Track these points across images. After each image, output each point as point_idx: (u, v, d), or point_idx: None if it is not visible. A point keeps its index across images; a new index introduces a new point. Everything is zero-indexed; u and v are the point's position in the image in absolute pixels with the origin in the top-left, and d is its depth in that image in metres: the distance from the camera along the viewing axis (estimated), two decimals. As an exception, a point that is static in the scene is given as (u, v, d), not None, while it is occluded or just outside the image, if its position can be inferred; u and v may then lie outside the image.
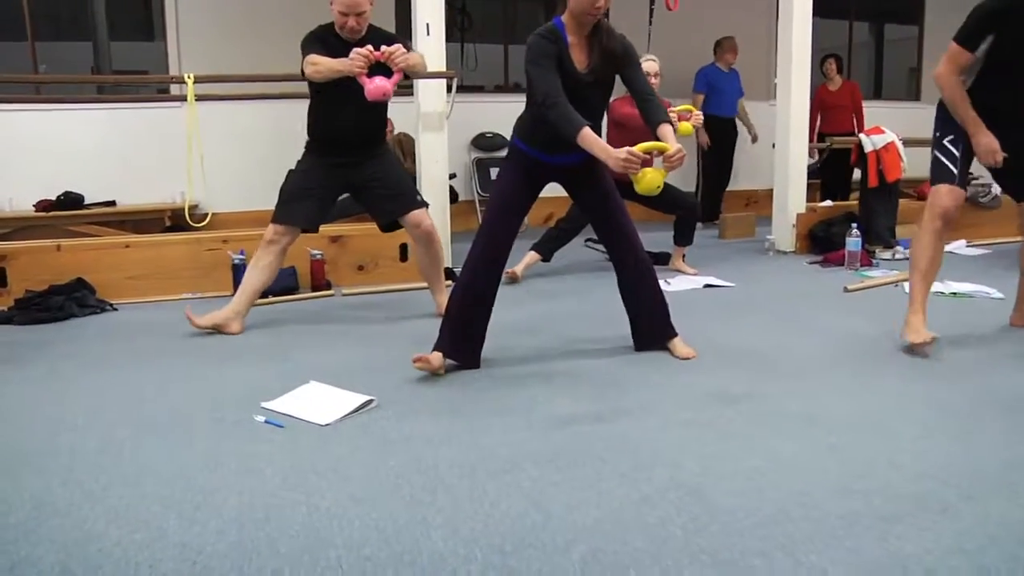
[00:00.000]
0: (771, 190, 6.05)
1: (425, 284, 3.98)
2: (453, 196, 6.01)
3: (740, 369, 3.04)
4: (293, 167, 3.71)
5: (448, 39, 4.89)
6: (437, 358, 2.97)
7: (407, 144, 5.87)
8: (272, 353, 3.32)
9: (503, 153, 7.17)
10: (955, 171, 3.28)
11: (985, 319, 3.79)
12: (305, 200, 3.64)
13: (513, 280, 4.69)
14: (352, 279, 4.57)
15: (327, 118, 3.57)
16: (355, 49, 3.25)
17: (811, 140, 6.95)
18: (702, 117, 4.63)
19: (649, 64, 4.65)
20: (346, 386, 2.80)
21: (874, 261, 5.33)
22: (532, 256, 4.85)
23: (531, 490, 2.05)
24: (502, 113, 7.18)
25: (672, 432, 2.44)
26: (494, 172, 7.06)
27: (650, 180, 2.69)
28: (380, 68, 3.31)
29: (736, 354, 3.20)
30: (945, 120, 3.37)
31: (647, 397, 2.76)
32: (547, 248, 4.89)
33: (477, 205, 7.02)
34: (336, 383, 2.83)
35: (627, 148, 2.65)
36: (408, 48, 3.46)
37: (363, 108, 3.40)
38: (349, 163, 3.61)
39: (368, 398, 2.65)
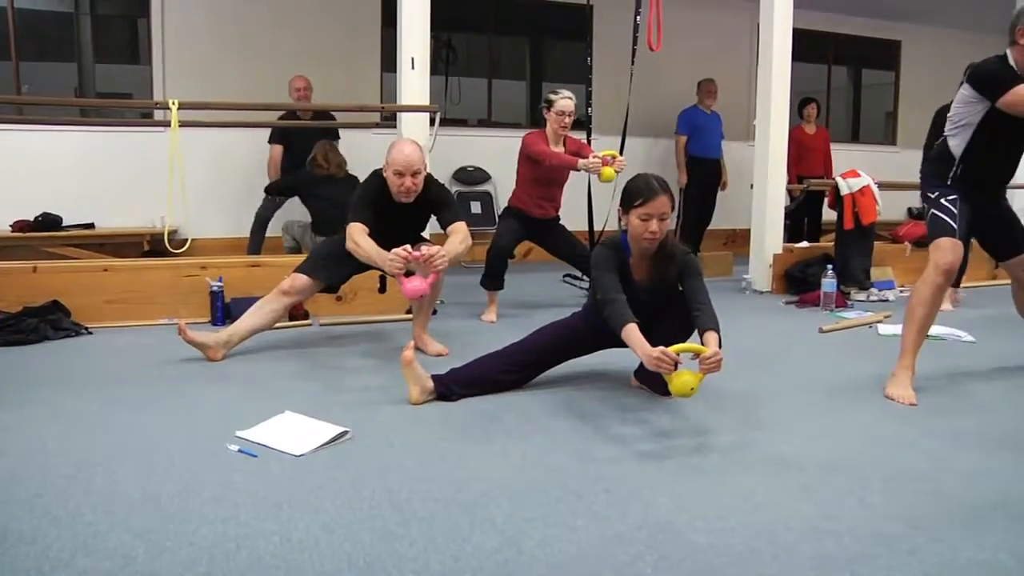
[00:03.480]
0: (748, 230, 6.12)
1: (407, 315, 3.98)
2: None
3: (716, 409, 3.06)
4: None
5: (432, 72, 4.94)
6: (425, 388, 3.01)
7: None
8: (248, 382, 3.31)
9: (484, 187, 7.25)
10: (955, 226, 3.28)
11: (956, 362, 3.84)
12: (337, 263, 3.72)
13: (491, 321, 4.68)
14: (330, 309, 4.57)
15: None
16: (394, 251, 3.25)
17: (791, 181, 7.06)
18: (625, 163, 4.62)
19: (564, 103, 4.65)
20: (321, 417, 2.79)
21: (849, 302, 5.40)
22: (489, 296, 4.81)
23: (504, 525, 2.05)
24: (484, 147, 7.27)
25: (647, 470, 2.45)
26: (475, 206, 7.11)
27: (684, 382, 2.66)
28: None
29: (712, 394, 3.20)
30: (940, 180, 3.39)
31: (623, 435, 2.77)
32: (492, 279, 4.81)
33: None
34: (311, 413, 2.83)
35: (661, 348, 2.66)
36: (454, 212, 3.61)
37: (402, 237, 3.46)
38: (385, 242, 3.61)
39: (343, 429, 2.64)
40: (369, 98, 6.67)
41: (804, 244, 6.31)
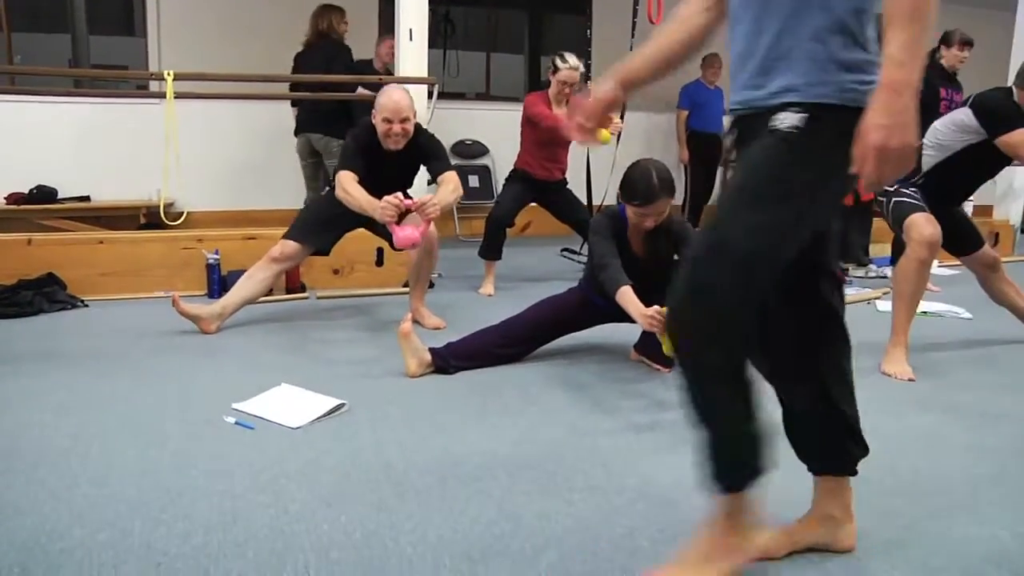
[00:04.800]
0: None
1: (403, 288, 3.96)
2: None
3: None
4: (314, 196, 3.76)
5: (431, 46, 4.89)
6: (423, 361, 3.00)
7: None
8: (244, 354, 3.30)
9: (482, 161, 7.20)
10: (922, 204, 3.29)
11: (953, 339, 3.84)
12: (326, 225, 3.72)
13: (488, 293, 4.67)
14: (327, 282, 4.55)
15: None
16: (386, 199, 3.24)
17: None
18: (621, 125, 4.62)
19: (568, 74, 4.62)
20: (318, 389, 2.78)
21: (848, 279, 5.38)
22: (488, 265, 4.79)
23: (501, 498, 2.05)
24: (483, 120, 7.22)
25: (644, 443, 2.45)
26: (473, 180, 7.08)
27: None
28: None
29: None
30: (900, 181, 3.39)
31: (620, 408, 2.77)
32: (490, 249, 4.81)
33: (455, 212, 7.01)
34: (308, 386, 2.82)
35: (655, 307, 2.69)
36: (444, 162, 3.61)
37: (394, 186, 3.43)
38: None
39: (339, 402, 2.64)
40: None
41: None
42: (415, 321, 3.72)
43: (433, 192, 3.55)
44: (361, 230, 3.87)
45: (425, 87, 4.79)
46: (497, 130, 7.15)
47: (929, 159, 3.33)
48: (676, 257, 3.07)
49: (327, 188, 3.91)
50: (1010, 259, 6.01)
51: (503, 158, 7.16)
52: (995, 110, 3.15)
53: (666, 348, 2.69)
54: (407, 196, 3.36)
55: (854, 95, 1.50)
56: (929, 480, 2.24)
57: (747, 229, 1.52)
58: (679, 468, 2.25)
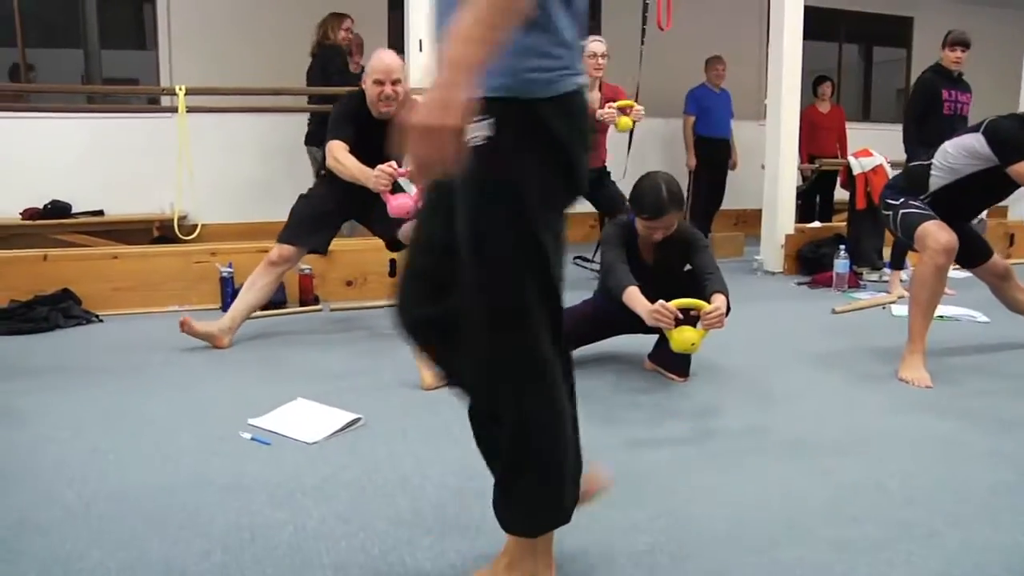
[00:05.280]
0: (760, 210, 6.08)
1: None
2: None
3: (731, 392, 3.04)
4: (304, 192, 3.79)
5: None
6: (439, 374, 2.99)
7: None
8: (259, 368, 3.30)
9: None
10: (932, 213, 3.28)
11: (970, 343, 3.82)
12: (317, 223, 3.69)
13: None
14: (340, 294, 4.56)
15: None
16: (379, 167, 3.25)
17: (802, 161, 7.01)
18: (642, 111, 4.61)
19: (596, 45, 4.67)
20: (334, 403, 2.78)
21: (861, 283, 5.36)
22: None
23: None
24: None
25: (663, 457, 2.43)
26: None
27: (685, 338, 2.69)
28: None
29: (727, 376, 3.19)
30: (907, 195, 3.41)
31: (635, 420, 2.76)
32: None
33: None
34: (323, 400, 2.82)
35: (660, 302, 2.70)
36: None
37: (384, 156, 3.38)
38: (358, 195, 3.57)
39: (355, 416, 2.64)
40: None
41: (816, 224, 6.25)
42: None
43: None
44: (376, 241, 3.88)
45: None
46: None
47: (937, 180, 3.32)
48: (688, 267, 3.06)
49: (320, 174, 3.85)
50: (1026, 261, 5.98)
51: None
52: (1007, 140, 3.12)
53: (673, 344, 2.69)
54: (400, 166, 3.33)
55: (529, 84, 1.39)
56: (947, 488, 2.22)
57: (477, 289, 1.46)
58: (698, 482, 2.25)
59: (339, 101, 3.63)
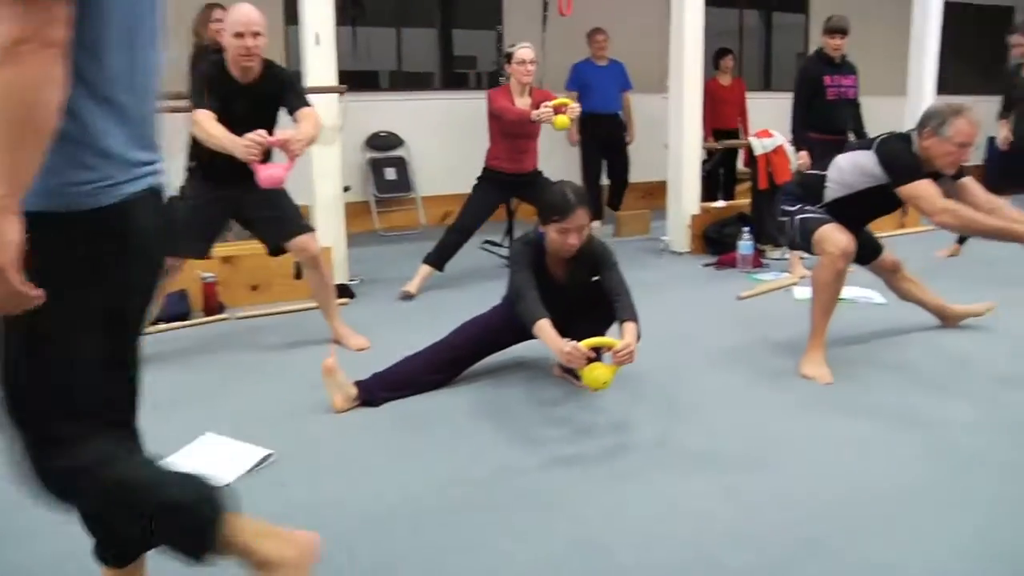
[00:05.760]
0: (665, 182, 6.13)
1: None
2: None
3: (638, 398, 3.08)
4: (176, 194, 3.57)
5: (338, 23, 4.72)
6: (348, 396, 2.98)
7: None
8: (164, 396, 3.15)
9: (398, 152, 7.10)
10: (828, 217, 3.37)
11: (867, 328, 3.98)
12: (192, 229, 3.50)
13: (408, 297, 4.65)
14: (246, 299, 4.45)
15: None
16: (248, 136, 3.11)
17: (706, 136, 7.12)
18: (579, 109, 4.63)
19: (524, 51, 4.72)
20: (244, 433, 2.73)
21: (765, 261, 5.50)
22: (425, 270, 4.80)
23: (430, 551, 2.06)
24: (396, 111, 7.11)
25: (572, 478, 2.47)
26: (389, 172, 6.98)
27: (596, 376, 2.68)
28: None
29: (637, 382, 3.21)
30: (802, 197, 3.51)
31: (547, 438, 2.79)
32: (440, 258, 4.86)
33: (373, 206, 6.92)
34: (234, 431, 2.76)
35: (572, 343, 2.68)
36: (302, 97, 3.44)
37: (253, 118, 3.26)
38: (235, 190, 3.47)
39: (267, 452, 2.59)
40: (273, 54, 6.41)
41: (721, 204, 6.34)
42: (338, 342, 3.70)
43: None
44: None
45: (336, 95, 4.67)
46: (411, 120, 7.07)
47: (832, 192, 3.41)
48: (598, 280, 3.08)
49: (188, 169, 3.66)
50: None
51: (419, 149, 7.10)
52: (894, 162, 3.22)
53: (586, 383, 2.70)
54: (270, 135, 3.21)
55: (64, 199, 1.29)
56: (852, 499, 2.32)
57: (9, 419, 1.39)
58: (608, 506, 2.29)
59: (195, 68, 3.40)
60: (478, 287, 4.83)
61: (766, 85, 9.42)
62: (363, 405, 3.01)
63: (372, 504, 2.30)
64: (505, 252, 5.48)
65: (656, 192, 7.46)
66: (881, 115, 6.52)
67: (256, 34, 3.31)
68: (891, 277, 3.83)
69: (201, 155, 3.50)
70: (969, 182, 3.31)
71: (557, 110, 4.54)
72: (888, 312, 4.20)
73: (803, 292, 4.57)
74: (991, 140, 6.63)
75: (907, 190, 3.17)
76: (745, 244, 5.32)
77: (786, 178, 5.65)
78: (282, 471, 2.52)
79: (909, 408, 2.99)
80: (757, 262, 5.38)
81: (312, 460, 2.59)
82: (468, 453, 2.65)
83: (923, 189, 3.14)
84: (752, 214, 5.80)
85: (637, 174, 7.73)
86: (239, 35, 3.29)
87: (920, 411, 2.96)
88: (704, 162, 6.55)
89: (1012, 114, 5.81)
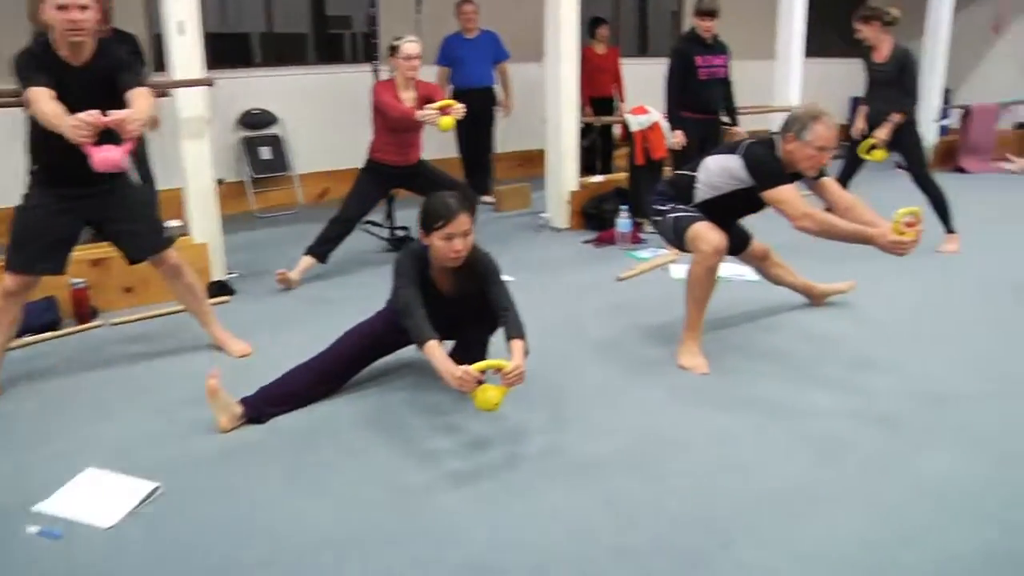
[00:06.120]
0: (543, 151, 6.17)
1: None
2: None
3: (525, 402, 3.08)
4: (20, 202, 3.28)
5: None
6: (234, 415, 2.96)
7: None
8: (38, 426, 3.04)
9: (272, 130, 6.93)
10: (701, 215, 3.50)
11: (740, 309, 4.19)
12: (43, 243, 3.25)
13: (287, 286, 4.60)
14: (121, 302, 4.29)
15: (54, 143, 2.96)
16: (79, 115, 2.83)
17: (584, 104, 7.19)
18: (463, 110, 4.61)
19: (410, 46, 4.70)
20: (128, 463, 2.67)
21: (643, 236, 5.65)
22: (307, 261, 4.75)
23: (330, 595, 2.08)
24: (268, 88, 6.90)
25: (463, 497, 2.52)
26: (264, 152, 6.81)
27: (487, 399, 2.69)
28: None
29: (525, 383, 3.20)
30: (673, 197, 3.62)
31: (435, 451, 2.82)
32: (323, 250, 4.81)
33: (249, 187, 6.74)
34: (116, 459, 2.70)
35: (464, 368, 2.69)
36: (136, 75, 3.18)
37: (86, 103, 2.93)
38: (85, 195, 3.24)
39: (153, 485, 2.55)
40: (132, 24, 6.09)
41: (599, 178, 6.44)
42: (218, 348, 3.64)
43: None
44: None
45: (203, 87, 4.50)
46: (284, 96, 6.89)
47: (701, 193, 3.53)
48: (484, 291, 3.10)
49: (31, 171, 3.31)
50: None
51: (294, 126, 6.92)
52: (760, 167, 3.35)
53: (477, 405, 2.73)
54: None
55: None
56: (724, 503, 2.45)
57: None
58: (497, 524, 2.36)
59: (18, 54, 3.05)
60: (361, 274, 4.83)
61: (642, 51, 9.56)
62: (250, 423, 2.99)
63: (264, 538, 2.31)
64: (385, 234, 5.47)
65: (535, 160, 7.45)
66: (752, 78, 6.73)
67: (83, 7, 2.98)
68: (761, 264, 4.03)
69: (42, 157, 3.23)
70: (828, 182, 3.49)
71: (443, 111, 4.53)
72: (759, 290, 4.37)
73: (680, 271, 4.73)
74: (855, 101, 6.74)
75: (771, 194, 3.31)
76: (623, 222, 5.46)
77: (662, 154, 5.82)
78: (170, 507, 2.48)
79: (779, 399, 3.17)
80: (636, 238, 5.53)
81: (199, 493, 2.55)
82: (356, 473, 2.67)
83: (786, 194, 3.29)
84: (630, 188, 5.94)
85: (516, 143, 7.79)
86: (62, 7, 2.96)
87: (789, 401, 3.15)
88: (582, 139, 6.60)
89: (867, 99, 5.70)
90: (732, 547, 2.24)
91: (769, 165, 3.35)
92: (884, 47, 5.33)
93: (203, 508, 2.48)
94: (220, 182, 5.08)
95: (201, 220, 4.55)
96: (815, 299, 4.25)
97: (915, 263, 3.83)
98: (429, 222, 2.97)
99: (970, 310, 4.22)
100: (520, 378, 2.75)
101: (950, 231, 5.42)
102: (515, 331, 2.93)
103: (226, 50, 6.93)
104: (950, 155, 9.20)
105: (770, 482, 2.58)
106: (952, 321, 4.05)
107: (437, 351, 2.81)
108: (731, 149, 3.47)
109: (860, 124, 5.56)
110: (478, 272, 3.08)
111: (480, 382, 2.71)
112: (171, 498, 2.53)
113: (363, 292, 4.37)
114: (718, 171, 3.48)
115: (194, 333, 3.82)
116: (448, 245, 2.96)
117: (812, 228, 3.23)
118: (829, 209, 3.42)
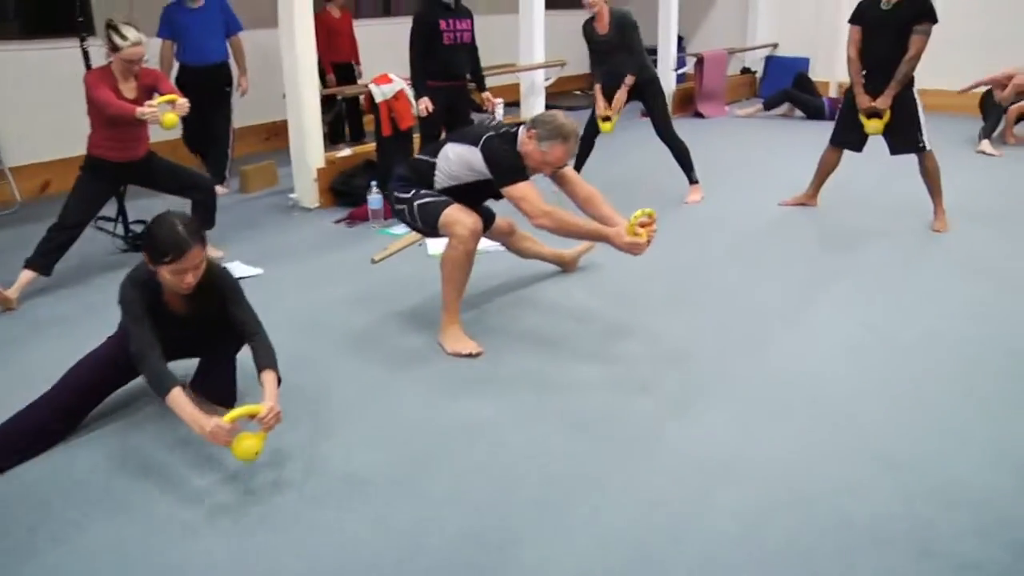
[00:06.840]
0: (287, 122, 5.86)
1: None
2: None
3: (285, 417, 2.74)
4: None
5: None
6: None
7: None
8: None
9: None
10: (448, 199, 3.47)
11: (498, 280, 4.23)
12: None
13: (5, 306, 4.07)
14: None
15: None
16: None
17: (326, 71, 6.94)
18: (188, 106, 4.24)
19: (134, 50, 4.12)
20: None
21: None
22: (27, 275, 4.18)
23: None
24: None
25: (232, 538, 2.35)
26: None
27: (246, 449, 2.48)
28: None
29: (283, 396, 2.82)
30: (415, 182, 3.56)
31: (197, 491, 2.61)
32: (45, 261, 4.26)
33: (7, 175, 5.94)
34: None
35: (214, 421, 2.47)
36: None
37: None
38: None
39: None
40: None
41: (346, 152, 6.20)
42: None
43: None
44: None
45: None
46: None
47: (441, 182, 3.50)
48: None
49: None
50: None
51: (5, 113, 6.13)
52: (499, 163, 3.34)
53: (236, 456, 2.54)
54: None
55: None
56: (498, 503, 2.45)
57: None
58: (269, 570, 2.22)
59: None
60: (96, 281, 4.40)
61: (385, 11, 9.32)
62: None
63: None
64: (120, 232, 5.02)
65: (281, 132, 7.05)
66: (497, 30, 6.72)
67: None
68: (508, 239, 4.07)
69: None
70: (569, 172, 3.55)
71: (171, 105, 4.17)
72: (513, 261, 4.41)
73: (436, 246, 4.68)
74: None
75: (511, 191, 3.32)
76: (374, 199, 5.34)
77: (409, 123, 5.73)
78: None
79: (543, 377, 3.23)
80: (388, 213, 5.42)
81: None
82: (111, 524, 2.42)
83: (525, 191, 3.31)
84: (379, 161, 5.80)
85: (257, 115, 7.41)
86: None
87: (552, 378, 3.22)
88: (325, 114, 6.34)
89: (599, 73, 5.76)
90: (505, 556, 2.24)
91: (508, 161, 3.35)
92: (605, 15, 5.47)
93: None
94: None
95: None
96: (567, 266, 4.36)
97: (664, 219, 3.88)
98: (156, 255, 2.66)
99: (713, 270, 4.50)
100: (277, 419, 2.58)
101: (693, 181, 5.75)
102: (265, 360, 2.75)
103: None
104: (689, 101, 9.77)
105: (549, 468, 2.62)
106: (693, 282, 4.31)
107: (181, 400, 2.57)
108: (471, 141, 3.43)
109: (602, 103, 5.69)
110: (216, 291, 2.85)
111: (234, 430, 2.53)
112: None
113: (101, 301, 3.93)
114: (457, 162, 3.44)
115: None
116: (179, 279, 2.69)
117: (550, 226, 3.27)
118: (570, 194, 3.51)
